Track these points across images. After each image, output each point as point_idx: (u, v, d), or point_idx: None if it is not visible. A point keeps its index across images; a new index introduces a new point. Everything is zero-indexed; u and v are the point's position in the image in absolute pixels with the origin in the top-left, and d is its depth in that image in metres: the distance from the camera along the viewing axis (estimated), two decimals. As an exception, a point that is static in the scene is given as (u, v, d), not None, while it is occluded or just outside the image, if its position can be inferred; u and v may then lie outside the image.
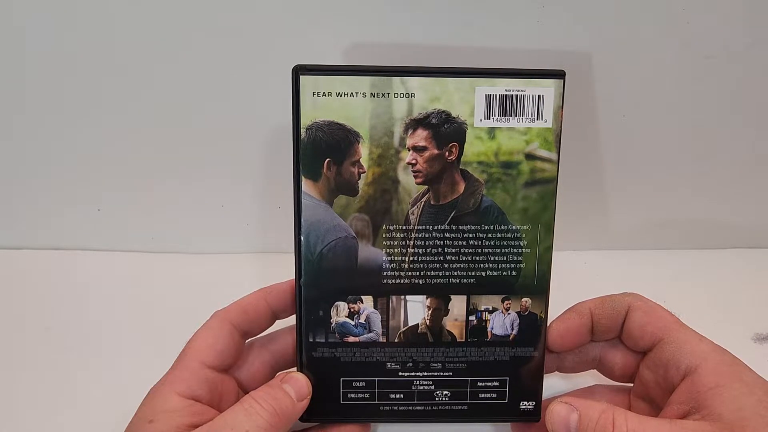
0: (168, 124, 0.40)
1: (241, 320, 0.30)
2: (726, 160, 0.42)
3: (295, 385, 0.29)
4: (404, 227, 0.30)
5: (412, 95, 0.29)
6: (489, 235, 0.30)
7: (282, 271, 0.32)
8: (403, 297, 0.31)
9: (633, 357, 0.31)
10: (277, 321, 0.32)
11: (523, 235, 0.30)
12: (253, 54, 0.38)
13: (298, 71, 0.28)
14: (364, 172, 0.30)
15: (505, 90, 0.29)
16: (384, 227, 0.30)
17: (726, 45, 0.38)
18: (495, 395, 0.31)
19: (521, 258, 0.31)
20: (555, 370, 0.33)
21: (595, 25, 0.37)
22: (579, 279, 0.40)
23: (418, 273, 0.30)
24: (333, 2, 0.36)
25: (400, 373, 0.31)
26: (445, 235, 0.30)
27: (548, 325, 0.31)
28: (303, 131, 0.29)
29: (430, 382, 0.31)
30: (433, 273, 0.31)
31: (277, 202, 0.40)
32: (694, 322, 0.30)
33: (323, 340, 0.31)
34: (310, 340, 0.31)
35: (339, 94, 0.29)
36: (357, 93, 0.29)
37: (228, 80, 0.38)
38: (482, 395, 0.31)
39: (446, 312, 0.31)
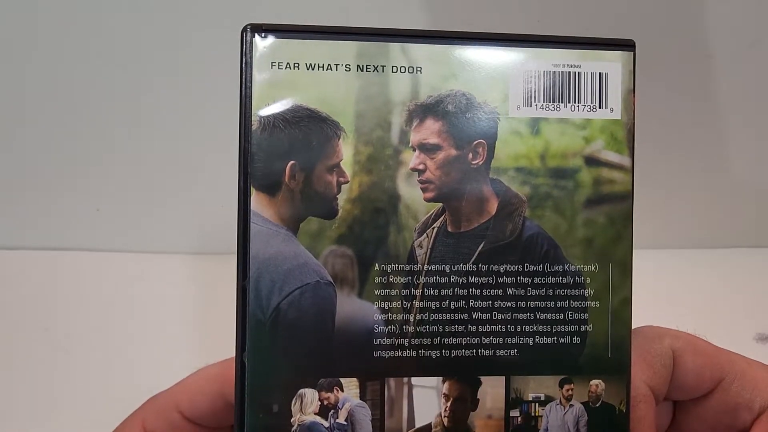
0: (168, 124, 0.40)
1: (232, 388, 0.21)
2: (727, 158, 0.42)
3: None
4: (408, 267, 0.20)
5: (419, 70, 0.20)
6: (536, 280, 0.20)
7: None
8: (406, 380, 0.20)
9: (671, 407, 0.24)
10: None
11: (588, 280, 0.20)
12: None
13: (251, 31, 0.19)
14: (347, 183, 0.20)
15: (553, 65, 0.20)
16: (376, 267, 0.20)
17: (726, 45, 0.38)
18: None
19: (586, 316, 0.20)
20: None
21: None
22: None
23: (429, 340, 0.20)
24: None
25: None
26: (471, 279, 0.20)
27: None
28: (255, 120, 0.19)
29: None
30: (453, 340, 0.20)
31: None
32: (695, 322, 0.28)
33: (278, 454, 0.19)
34: (258, 454, 0.19)
35: (310, 66, 0.19)
36: (337, 65, 0.19)
37: (228, 80, 0.33)
38: None
39: (474, 404, 0.20)
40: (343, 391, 0.19)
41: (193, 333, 0.30)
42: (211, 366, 0.23)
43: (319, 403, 0.19)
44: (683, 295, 0.39)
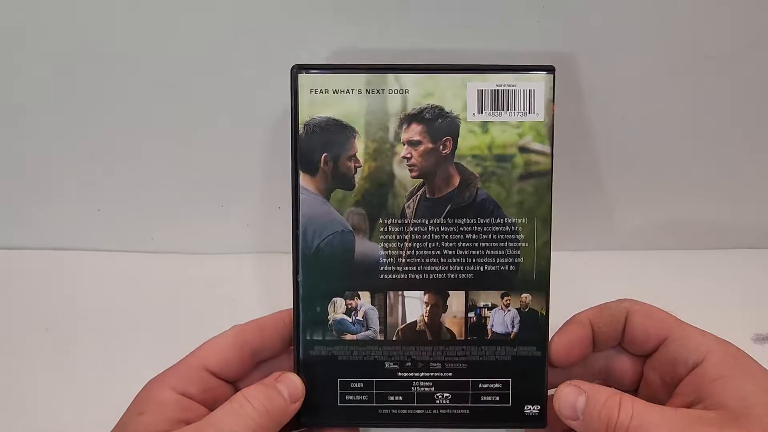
0: (168, 124, 0.40)
1: (255, 337, 0.30)
2: (727, 159, 0.42)
3: (290, 385, 0.29)
4: (400, 221, 0.30)
5: (406, 91, 0.30)
6: (485, 229, 0.30)
7: (282, 271, 0.32)
8: (400, 293, 0.31)
9: (637, 362, 0.31)
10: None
11: (520, 229, 0.30)
12: (252, 55, 0.37)
13: (297, 70, 0.30)
14: (361, 167, 0.30)
15: (497, 85, 0.30)
16: (380, 221, 0.30)
17: (726, 45, 0.38)
18: (497, 398, 0.30)
19: (519, 252, 0.30)
20: None
21: (593, 26, 0.37)
22: (579, 280, 0.40)
23: (415, 268, 0.30)
24: (329, 4, 0.36)
25: (399, 374, 0.31)
26: (442, 228, 0.30)
27: (550, 339, 0.30)
28: (301, 127, 0.30)
29: (430, 383, 0.31)
30: (431, 268, 0.30)
31: (277, 202, 0.39)
32: (695, 323, 0.30)
33: (320, 338, 0.30)
34: (308, 337, 0.30)
35: (336, 91, 0.30)
36: (353, 90, 0.30)
37: (227, 80, 0.39)
38: (484, 398, 0.30)
39: (444, 308, 0.31)
40: (360, 299, 0.31)
41: (193, 333, 0.30)
42: (225, 331, 0.29)
43: (345, 306, 0.31)
44: (682, 296, 0.37)
